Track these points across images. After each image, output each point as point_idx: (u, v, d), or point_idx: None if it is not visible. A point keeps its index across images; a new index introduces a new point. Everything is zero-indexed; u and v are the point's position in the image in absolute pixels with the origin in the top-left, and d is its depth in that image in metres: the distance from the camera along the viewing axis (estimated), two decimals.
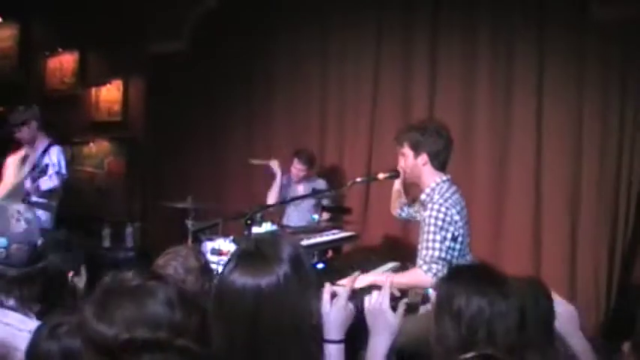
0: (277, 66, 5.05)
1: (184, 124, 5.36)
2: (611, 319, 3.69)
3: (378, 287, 1.67)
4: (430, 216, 2.52)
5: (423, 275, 2.48)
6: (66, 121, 5.74)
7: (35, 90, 6.08)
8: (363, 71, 4.64)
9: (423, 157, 2.66)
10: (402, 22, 4.47)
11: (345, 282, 1.66)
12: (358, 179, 3.20)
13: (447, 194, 2.60)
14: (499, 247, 4.07)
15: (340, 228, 3.62)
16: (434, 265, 2.46)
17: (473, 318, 1.38)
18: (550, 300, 1.65)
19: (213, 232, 3.20)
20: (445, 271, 2.36)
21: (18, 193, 3.57)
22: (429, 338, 1.46)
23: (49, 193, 3.90)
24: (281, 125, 5.06)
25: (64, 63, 6.03)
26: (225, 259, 2.19)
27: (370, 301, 1.54)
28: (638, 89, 3.69)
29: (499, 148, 4.13)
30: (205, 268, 1.90)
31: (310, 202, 4.26)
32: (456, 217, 2.53)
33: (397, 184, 3.06)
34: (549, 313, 1.63)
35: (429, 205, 2.56)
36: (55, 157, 3.97)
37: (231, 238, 2.92)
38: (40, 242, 1.70)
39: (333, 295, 1.43)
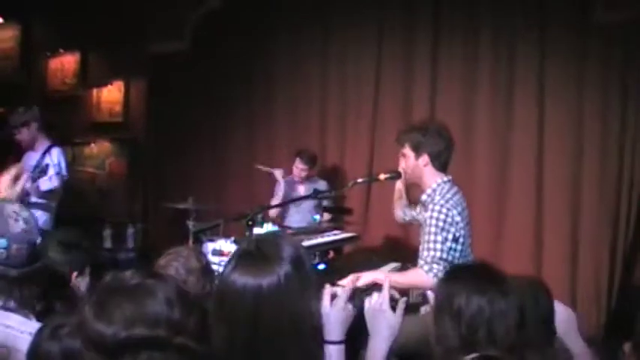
0: (278, 66, 5.05)
1: (185, 124, 5.36)
2: (612, 320, 3.70)
3: (378, 288, 1.67)
4: (431, 217, 2.52)
5: (424, 276, 2.47)
6: (67, 121, 5.74)
7: (36, 91, 6.08)
8: (364, 72, 4.63)
9: (424, 158, 2.65)
10: (403, 23, 4.47)
11: (346, 282, 1.66)
12: (359, 180, 3.18)
13: (449, 195, 2.59)
14: (500, 247, 4.07)
15: (341, 229, 3.62)
16: (435, 266, 2.46)
17: (473, 317, 1.38)
18: (550, 299, 1.65)
19: (215, 233, 3.21)
20: None
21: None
22: (429, 338, 1.46)
23: (48, 194, 3.87)
24: (282, 126, 5.05)
25: (65, 64, 6.03)
26: (226, 259, 2.19)
27: (370, 302, 1.54)
28: (639, 90, 3.69)
29: (500, 149, 4.13)
30: (206, 268, 1.90)
31: (311, 203, 4.26)
32: (457, 218, 2.52)
33: (399, 184, 3.06)
34: (549, 313, 1.63)
35: (430, 206, 2.55)
36: (55, 157, 3.95)
37: (233, 238, 2.92)
38: (39, 241, 1.70)
39: (333, 296, 1.42)
